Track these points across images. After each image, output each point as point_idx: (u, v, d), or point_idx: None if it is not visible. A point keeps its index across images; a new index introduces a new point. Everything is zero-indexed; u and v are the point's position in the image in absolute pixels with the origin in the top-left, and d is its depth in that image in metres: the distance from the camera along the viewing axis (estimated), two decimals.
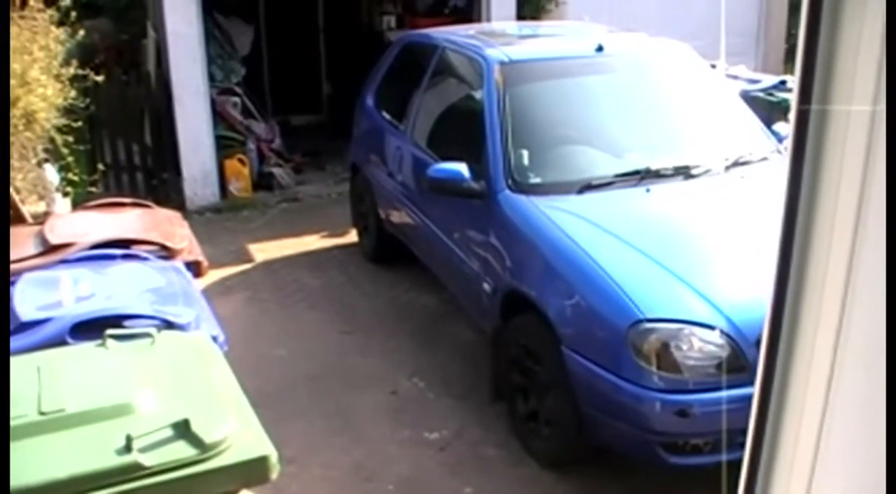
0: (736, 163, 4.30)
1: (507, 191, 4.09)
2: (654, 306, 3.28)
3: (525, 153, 4.20)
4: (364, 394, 4.45)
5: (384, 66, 6.18)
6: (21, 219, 4.46)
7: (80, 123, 5.80)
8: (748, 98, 5.59)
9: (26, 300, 3.03)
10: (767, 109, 5.84)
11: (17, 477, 1.98)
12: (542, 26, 7.06)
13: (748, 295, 3.26)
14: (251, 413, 2.41)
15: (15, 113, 4.86)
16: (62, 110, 5.50)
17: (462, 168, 4.21)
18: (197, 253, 3.89)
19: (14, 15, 4.93)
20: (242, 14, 9.05)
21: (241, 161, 7.84)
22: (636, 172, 4.17)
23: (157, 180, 7.73)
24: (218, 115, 7.85)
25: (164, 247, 3.76)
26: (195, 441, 2.16)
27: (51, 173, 5.73)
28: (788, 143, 1.00)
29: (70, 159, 5.66)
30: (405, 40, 6.25)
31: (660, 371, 3.17)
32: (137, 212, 4.30)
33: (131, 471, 2.08)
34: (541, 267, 3.81)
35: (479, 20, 8.27)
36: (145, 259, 3.62)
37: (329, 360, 4.84)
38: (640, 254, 3.56)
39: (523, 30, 6.51)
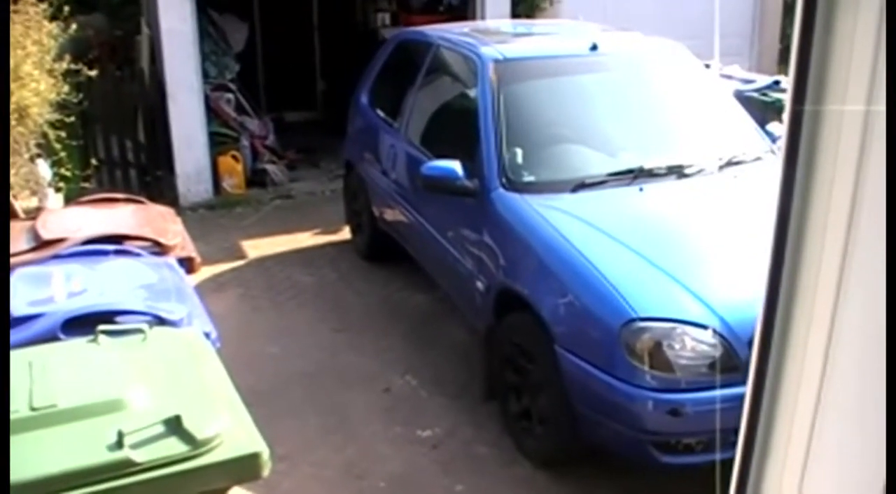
0: (729, 163, 4.31)
1: (501, 190, 4.09)
2: (647, 305, 3.29)
3: (519, 151, 4.20)
4: (357, 392, 4.45)
5: (378, 64, 6.18)
6: (13, 215, 4.44)
7: (72, 119, 5.78)
8: (742, 98, 5.60)
9: (18, 295, 3.02)
10: (761, 109, 5.85)
11: (10, 473, 1.97)
12: (537, 25, 7.06)
13: (741, 294, 3.26)
14: (243, 410, 2.41)
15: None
16: (55, 105, 5.48)
17: (456, 166, 4.21)
18: (190, 250, 3.89)
19: None
20: (237, 11, 9.03)
21: (234, 157, 7.82)
22: (630, 171, 4.17)
23: (151, 176, 7.71)
24: (212, 112, 7.84)
25: (156, 244, 3.75)
26: (187, 437, 2.16)
27: (43, 168, 5.71)
28: (782, 143, 1.00)
29: (63, 154, 5.64)
30: (399, 38, 6.24)
31: (652, 370, 3.17)
32: (130, 207, 4.29)
33: (123, 467, 2.07)
34: (534, 265, 3.81)
35: (473, 18, 8.27)
36: (138, 255, 3.61)
37: (322, 358, 4.83)
38: (633, 254, 3.56)
39: (518, 28, 6.50)
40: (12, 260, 3.41)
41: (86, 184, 6.34)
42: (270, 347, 4.94)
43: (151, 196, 6.02)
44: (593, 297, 3.42)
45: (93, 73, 5.83)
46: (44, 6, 5.36)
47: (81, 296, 3.07)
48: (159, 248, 3.73)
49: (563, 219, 3.82)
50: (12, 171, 5.11)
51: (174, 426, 2.18)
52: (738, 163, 4.34)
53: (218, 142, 7.84)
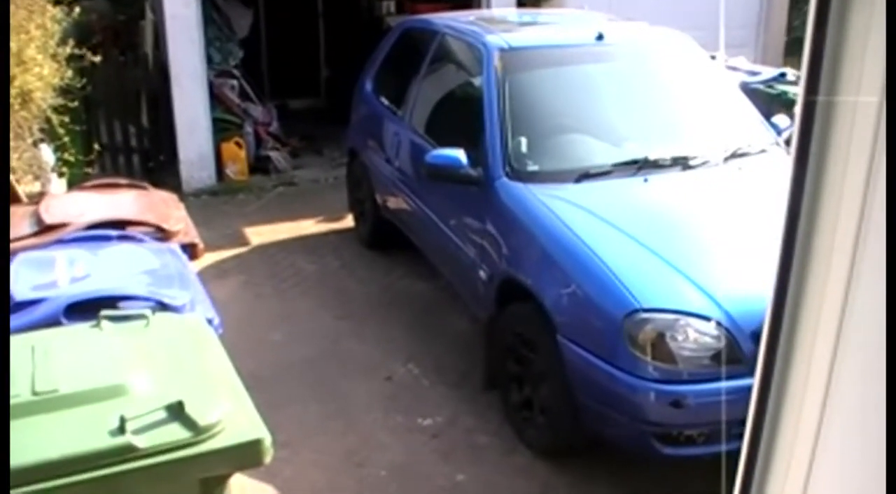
0: (734, 155, 4.29)
1: (505, 179, 4.08)
2: (651, 296, 3.28)
3: (523, 140, 4.19)
4: (358, 380, 4.45)
5: (383, 52, 6.16)
6: (16, 199, 4.44)
7: (76, 104, 5.77)
8: (748, 90, 5.58)
9: (21, 280, 3.02)
10: (767, 101, 5.83)
11: (11, 457, 1.97)
12: (543, 14, 7.03)
13: (745, 286, 3.25)
14: (245, 397, 2.40)
15: (11, 92, 4.83)
16: (58, 90, 5.48)
17: (460, 154, 4.20)
18: (193, 236, 3.88)
19: None
20: None
21: (237, 144, 7.81)
22: (634, 162, 4.16)
23: (154, 162, 7.71)
24: (215, 98, 7.82)
25: (159, 229, 3.74)
26: (189, 423, 2.15)
27: (46, 153, 5.70)
28: (794, 134, 0.99)
29: (66, 139, 5.63)
30: (405, 26, 6.22)
31: (655, 361, 3.17)
32: (133, 193, 4.28)
33: (124, 453, 2.07)
34: (537, 255, 3.81)
35: (479, 7, 8.25)
36: (141, 240, 3.60)
37: (324, 345, 4.83)
38: (636, 244, 3.55)
39: (523, 17, 6.48)
40: (15, 244, 3.41)
41: (89, 170, 6.35)
42: (273, 334, 4.94)
43: (154, 182, 5.99)
44: (596, 287, 3.42)
45: (96, 57, 5.81)
46: None
47: (84, 281, 3.07)
48: (162, 234, 3.73)
49: (566, 209, 3.81)
50: (15, 156, 5.11)
51: (176, 412, 2.17)
52: (743, 154, 4.33)
53: (221, 129, 7.82)
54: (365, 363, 4.62)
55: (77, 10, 5.67)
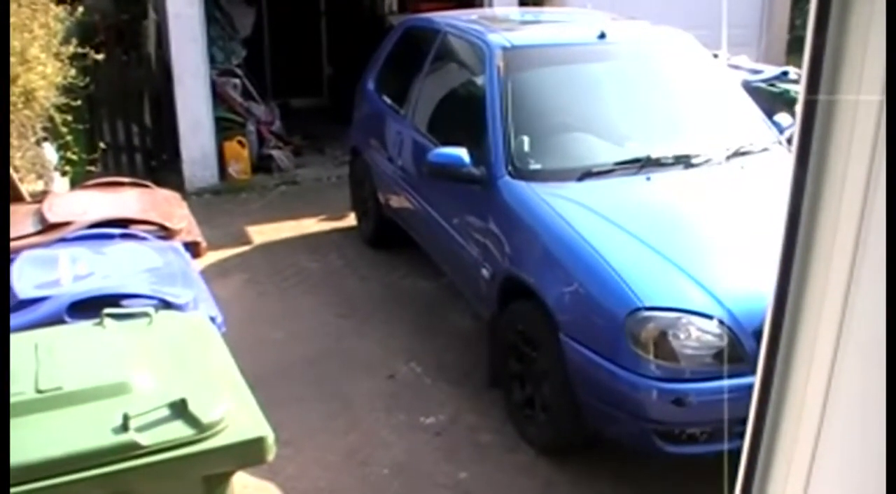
0: (737, 153, 4.29)
1: (507, 178, 4.09)
2: (653, 294, 3.28)
3: (526, 139, 4.19)
4: (361, 378, 4.46)
5: (385, 50, 6.16)
6: (19, 198, 4.45)
7: (79, 102, 5.78)
8: (750, 88, 5.57)
9: (24, 278, 3.03)
10: (769, 100, 5.82)
11: (14, 455, 1.98)
12: (545, 13, 7.04)
13: (747, 285, 3.26)
14: (248, 394, 2.41)
15: (14, 90, 4.84)
16: (61, 89, 5.48)
17: (462, 153, 4.20)
18: (195, 234, 3.89)
19: None
20: None
21: (240, 143, 7.81)
22: (636, 160, 4.16)
23: (157, 161, 7.72)
24: (218, 97, 7.82)
25: (162, 228, 3.75)
26: (192, 420, 2.16)
27: (49, 152, 5.71)
28: (795, 132, 0.99)
29: (69, 138, 5.64)
30: (407, 24, 6.22)
31: (657, 359, 3.17)
32: (136, 191, 4.29)
33: (128, 450, 2.08)
34: (540, 253, 3.81)
35: (481, 5, 8.25)
36: (144, 239, 3.61)
37: (326, 344, 4.84)
38: (639, 243, 3.55)
39: (526, 16, 6.48)
40: (19, 243, 3.42)
41: (92, 168, 6.35)
42: (275, 332, 4.94)
43: (157, 181, 6.00)
44: (599, 286, 3.42)
45: (99, 57, 5.81)
46: None
47: (87, 280, 3.08)
48: (165, 232, 3.73)
49: (569, 208, 3.81)
50: (19, 154, 5.12)
51: (179, 409, 2.18)
52: (745, 153, 4.33)
53: (224, 128, 7.83)
54: (367, 361, 4.63)
55: (80, 9, 5.67)
